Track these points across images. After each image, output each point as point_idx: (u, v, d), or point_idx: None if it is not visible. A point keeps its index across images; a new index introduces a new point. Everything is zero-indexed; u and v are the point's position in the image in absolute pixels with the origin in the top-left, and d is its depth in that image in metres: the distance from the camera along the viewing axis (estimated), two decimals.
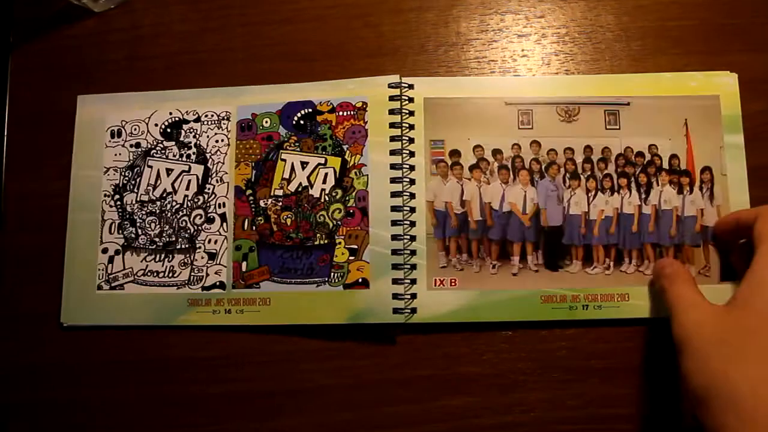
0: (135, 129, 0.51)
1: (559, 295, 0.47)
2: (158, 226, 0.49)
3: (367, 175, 0.48)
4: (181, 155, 0.50)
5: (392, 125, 0.49)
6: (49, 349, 0.48)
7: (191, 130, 0.50)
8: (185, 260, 0.49)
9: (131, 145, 0.51)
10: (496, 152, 0.49)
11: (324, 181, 0.49)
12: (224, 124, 0.50)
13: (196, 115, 0.51)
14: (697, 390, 0.36)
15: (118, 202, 0.50)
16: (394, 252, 0.47)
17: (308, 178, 0.49)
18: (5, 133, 0.51)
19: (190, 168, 0.50)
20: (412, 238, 0.47)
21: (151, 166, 0.50)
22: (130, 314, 0.48)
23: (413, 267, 0.47)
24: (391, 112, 0.49)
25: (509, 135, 0.49)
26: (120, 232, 0.49)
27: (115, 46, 0.52)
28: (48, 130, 0.51)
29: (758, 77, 0.49)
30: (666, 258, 0.47)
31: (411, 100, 0.49)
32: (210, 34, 0.52)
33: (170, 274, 0.48)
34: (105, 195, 0.50)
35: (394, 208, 0.47)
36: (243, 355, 0.47)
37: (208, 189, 0.50)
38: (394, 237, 0.47)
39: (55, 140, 0.51)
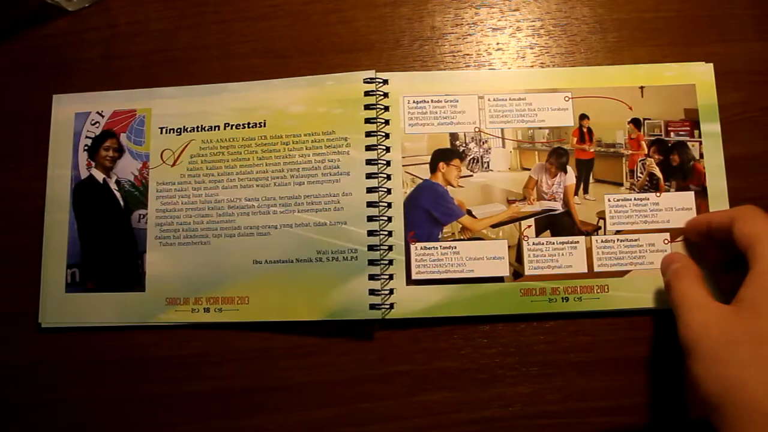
0: None
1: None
2: None
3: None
4: None
5: (368, 120, 0.48)
6: (27, 350, 0.48)
7: None
8: None
9: None
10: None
11: None
12: None
13: None
14: (711, 397, 0.34)
15: None
16: (371, 248, 0.47)
17: None
18: None
19: None
20: (389, 234, 0.47)
21: None
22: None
23: (390, 263, 0.47)
24: (367, 107, 0.49)
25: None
26: None
27: (90, 44, 0.52)
28: (25, 130, 0.51)
29: (735, 68, 0.49)
30: (675, 252, 0.46)
31: (386, 95, 0.49)
32: (185, 31, 0.52)
33: None
34: None
35: (370, 204, 0.47)
36: (221, 352, 0.47)
37: None
38: (371, 233, 0.47)
39: (32, 140, 0.51)
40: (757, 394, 0.33)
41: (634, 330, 0.46)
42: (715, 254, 0.44)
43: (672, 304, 0.40)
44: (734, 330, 0.35)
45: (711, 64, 0.49)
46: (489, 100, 0.49)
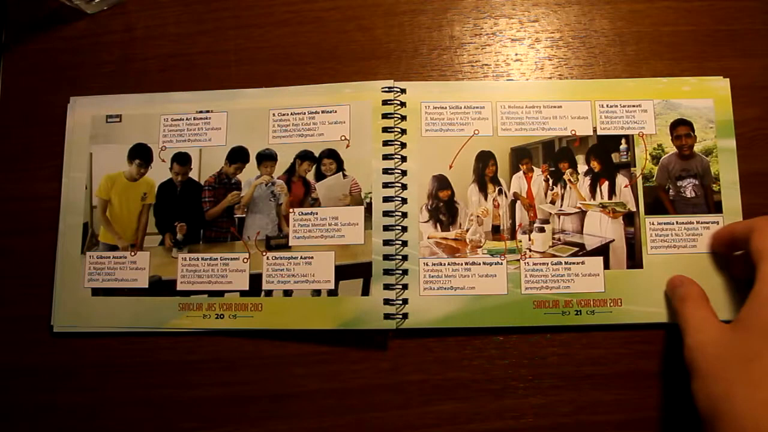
0: None
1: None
2: None
3: None
4: None
5: (385, 129, 0.48)
6: (40, 354, 0.48)
7: None
8: None
9: None
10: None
11: None
12: None
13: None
14: (704, 411, 0.36)
15: None
16: (386, 257, 0.47)
17: None
18: None
19: None
20: (404, 244, 0.47)
21: None
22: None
23: (405, 272, 0.47)
24: (384, 116, 0.49)
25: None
26: None
27: (108, 47, 0.52)
28: (41, 131, 0.51)
29: (752, 83, 0.49)
30: (678, 276, 0.46)
31: (403, 104, 0.49)
32: (203, 36, 0.52)
33: None
34: None
35: (385, 213, 0.47)
36: (234, 358, 0.47)
37: None
38: (386, 242, 0.47)
39: (47, 142, 0.51)
40: (742, 408, 0.34)
41: (646, 344, 0.46)
42: (742, 267, 0.44)
43: (680, 327, 0.42)
44: (727, 349, 0.37)
45: (728, 80, 0.49)
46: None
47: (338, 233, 0.47)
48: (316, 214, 0.48)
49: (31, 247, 0.49)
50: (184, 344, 0.47)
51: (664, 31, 0.50)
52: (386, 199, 0.47)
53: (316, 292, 0.47)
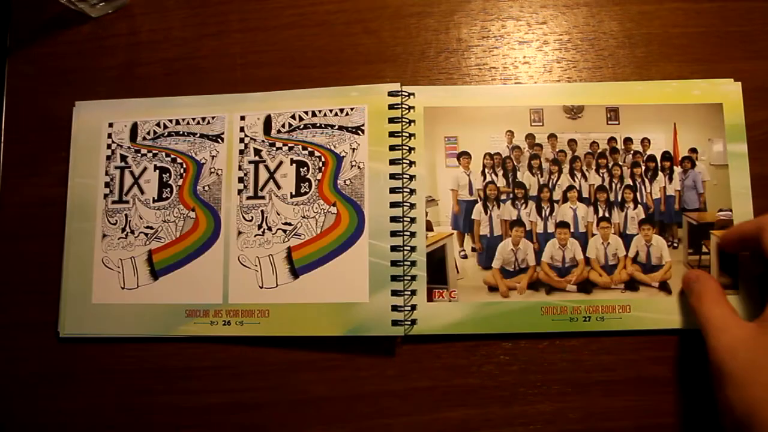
0: None
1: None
2: None
3: None
4: None
5: (392, 134, 0.48)
6: (46, 359, 0.48)
7: None
8: None
9: None
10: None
11: None
12: None
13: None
14: (739, 417, 0.35)
15: None
16: (394, 263, 0.46)
17: None
18: (2, 140, 0.51)
19: None
20: (412, 249, 0.47)
21: None
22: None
23: (413, 278, 0.46)
24: (391, 120, 0.48)
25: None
26: None
27: (112, 51, 0.52)
28: (45, 136, 0.51)
29: (763, 86, 0.48)
30: (693, 270, 0.45)
31: (411, 108, 0.48)
32: (208, 39, 0.51)
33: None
34: None
35: (393, 219, 0.47)
36: (242, 365, 0.47)
37: None
38: (394, 248, 0.47)
39: (52, 147, 0.51)
40: None
41: (656, 350, 0.46)
42: (756, 265, 0.44)
43: (699, 326, 0.41)
44: (759, 351, 0.36)
45: (739, 83, 0.48)
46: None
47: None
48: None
49: (37, 253, 0.49)
50: (190, 351, 0.47)
51: (674, 32, 0.50)
52: (394, 205, 0.47)
53: None
